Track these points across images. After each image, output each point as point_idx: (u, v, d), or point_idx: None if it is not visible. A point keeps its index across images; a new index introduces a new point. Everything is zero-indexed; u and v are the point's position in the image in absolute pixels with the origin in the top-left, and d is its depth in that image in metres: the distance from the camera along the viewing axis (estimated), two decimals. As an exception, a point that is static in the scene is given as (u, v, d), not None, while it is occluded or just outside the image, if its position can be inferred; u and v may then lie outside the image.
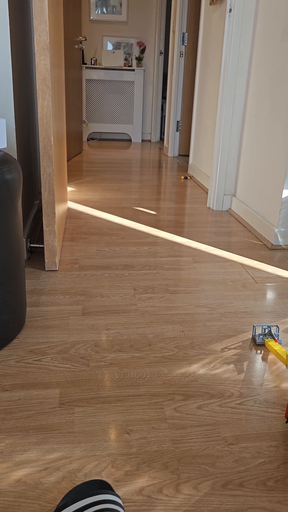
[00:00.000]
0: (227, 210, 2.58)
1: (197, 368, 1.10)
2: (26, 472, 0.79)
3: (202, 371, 1.09)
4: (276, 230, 1.94)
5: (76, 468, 0.80)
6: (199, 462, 0.82)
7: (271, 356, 1.16)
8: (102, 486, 0.73)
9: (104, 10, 5.13)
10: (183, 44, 4.09)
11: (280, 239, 1.95)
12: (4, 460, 0.81)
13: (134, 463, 0.81)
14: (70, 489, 0.74)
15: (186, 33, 4.04)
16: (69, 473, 0.79)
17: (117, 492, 0.75)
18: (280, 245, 1.96)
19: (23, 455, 0.82)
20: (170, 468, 0.81)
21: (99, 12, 5.13)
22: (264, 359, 1.15)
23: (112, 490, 0.72)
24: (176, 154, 4.47)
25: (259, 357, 1.16)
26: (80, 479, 0.78)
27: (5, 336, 1.14)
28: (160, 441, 0.87)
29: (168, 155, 4.46)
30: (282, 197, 1.89)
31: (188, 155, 4.35)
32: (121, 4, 5.11)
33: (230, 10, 2.27)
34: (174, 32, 4.13)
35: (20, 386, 1.01)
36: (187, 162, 4.04)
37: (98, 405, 0.96)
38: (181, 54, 4.12)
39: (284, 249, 1.96)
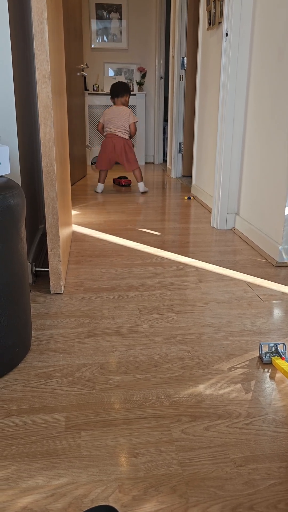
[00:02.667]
0: (231, 229, 2.58)
1: (204, 389, 1.09)
2: (33, 499, 0.78)
3: (209, 391, 1.08)
4: (280, 247, 1.94)
5: (82, 493, 0.79)
6: (207, 485, 0.81)
7: (278, 375, 1.15)
8: (109, 512, 0.71)
9: (105, 38, 5.27)
10: (182, 68, 4.17)
11: (284, 256, 1.95)
12: (10, 487, 0.80)
13: (142, 487, 0.80)
14: (76, 516, 0.73)
15: (185, 58, 4.13)
16: (76, 499, 0.78)
17: (124, 518, 0.74)
18: (285, 262, 1.96)
19: (29, 481, 0.81)
20: (178, 492, 0.79)
21: (100, 40, 5.27)
22: (271, 377, 1.14)
23: (119, 515, 0.71)
24: (179, 175, 4.51)
25: (266, 376, 1.14)
26: (87, 505, 0.76)
27: (11, 360, 1.14)
28: (168, 464, 0.85)
29: (171, 176, 4.51)
30: (285, 214, 1.89)
31: (191, 176, 4.39)
32: (121, 32, 5.26)
33: (227, 34, 2.33)
34: (173, 57, 4.22)
35: (26, 411, 1.00)
36: (190, 182, 4.07)
37: (105, 428, 0.95)
38: (181, 78, 4.20)
39: (289, 266, 1.96)
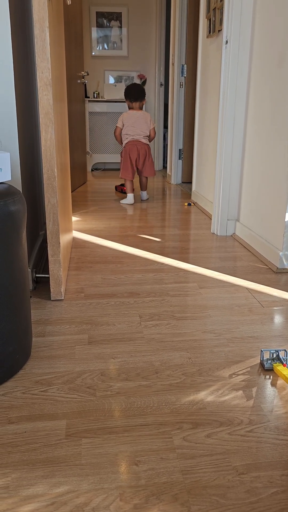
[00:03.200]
0: (231, 235, 2.59)
1: (205, 396, 1.08)
2: (33, 507, 0.77)
3: (210, 398, 1.07)
4: (281, 253, 1.94)
5: (83, 502, 0.78)
6: (209, 493, 0.80)
7: (280, 381, 1.14)
8: (110, 521, 0.71)
9: (105, 46, 5.30)
10: (182, 75, 4.19)
11: (285, 262, 1.94)
12: (11, 495, 0.79)
13: (143, 495, 0.79)
14: (77, 524, 0.72)
15: (185, 65, 4.15)
16: (77, 508, 0.77)
17: (126, 527, 0.73)
18: (286, 268, 1.95)
19: (30, 489, 0.81)
20: (180, 500, 0.78)
21: (101, 48, 5.30)
22: (273, 384, 1.13)
23: (121, 524, 0.70)
24: (179, 181, 4.52)
25: (268, 383, 1.14)
26: (87, 514, 0.76)
27: (11, 367, 1.14)
28: (169, 472, 0.85)
29: (171, 182, 4.52)
30: (285, 220, 1.90)
31: (191, 182, 4.40)
32: (121, 40, 5.29)
33: (227, 42, 2.34)
34: (173, 64, 4.25)
35: (26, 418, 1.00)
36: (190, 189, 4.08)
37: (105, 435, 0.94)
38: (181, 85, 4.22)
39: (289, 272, 1.95)
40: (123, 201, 3.52)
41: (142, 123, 3.46)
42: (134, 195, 3.55)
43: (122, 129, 3.51)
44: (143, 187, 3.64)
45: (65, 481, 0.82)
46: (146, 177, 3.62)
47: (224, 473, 0.84)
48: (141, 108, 3.53)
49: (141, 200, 3.64)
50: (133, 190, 3.53)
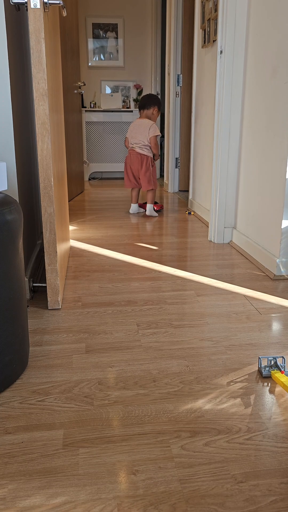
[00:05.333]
0: (228, 243, 2.59)
1: (203, 403, 1.08)
2: (30, 518, 0.76)
3: (208, 406, 1.07)
4: (277, 260, 1.94)
5: (81, 512, 0.77)
6: (208, 502, 0.79)
7: (278, 388, 1.14)
8: (108, 531, 0.70)
9: (102, 57, 5.35)
10: (178, 85, 4.23)
11: (282, 269, 1.95)
12: (7, 506, 0.79)
13: (141, 505, 0.79)
14: (75, 536, 0.71)
15: (181, 75, 4.19)
16: (74, 518, 0.76)
17: (123, 537, 0.72)
18: (283, 275, 1.96)
19: (27, 500, 0.80)
20: (178, 510, 0.78)
21: (97, 59, 5.35)
22: (271, 391, 1.13)
23: (119, 535, 0.69)
24: (176, 190, 4.54)
25: (266, 390, 1.14)
26: (85, 525, 0.75)
27: (8, 377, 1.13)
28: (167, 481, 0.84)
29: (168, 191, 4.53)
30: (282, 227, 1.90)
31: (187, 190, 4.42)
32: (117, 51, 5.34)
33: (221, 52, 2.37)
34: (169, 74, 4.28)
35: (23, 428, 0.99)
36: (187, 197, 4.09)
37: (103, 445, 0.94)
38: (176, 94, 4.26)
39: (287, 279, 1.96)
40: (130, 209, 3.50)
41: (139, 131, 3.29)
42: (138, 205, 3.48)
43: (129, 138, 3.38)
44: (147, 200, 3.37)
45: (63, 492, 0.82)
46: (152, 192, 3.33)
47: (222, 482, 0.84)
48: (149, 117, 3.36)
49: (146, 214, 3.38)
50: (136, 200, 3.45)
